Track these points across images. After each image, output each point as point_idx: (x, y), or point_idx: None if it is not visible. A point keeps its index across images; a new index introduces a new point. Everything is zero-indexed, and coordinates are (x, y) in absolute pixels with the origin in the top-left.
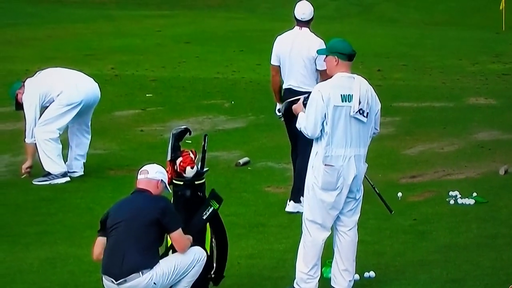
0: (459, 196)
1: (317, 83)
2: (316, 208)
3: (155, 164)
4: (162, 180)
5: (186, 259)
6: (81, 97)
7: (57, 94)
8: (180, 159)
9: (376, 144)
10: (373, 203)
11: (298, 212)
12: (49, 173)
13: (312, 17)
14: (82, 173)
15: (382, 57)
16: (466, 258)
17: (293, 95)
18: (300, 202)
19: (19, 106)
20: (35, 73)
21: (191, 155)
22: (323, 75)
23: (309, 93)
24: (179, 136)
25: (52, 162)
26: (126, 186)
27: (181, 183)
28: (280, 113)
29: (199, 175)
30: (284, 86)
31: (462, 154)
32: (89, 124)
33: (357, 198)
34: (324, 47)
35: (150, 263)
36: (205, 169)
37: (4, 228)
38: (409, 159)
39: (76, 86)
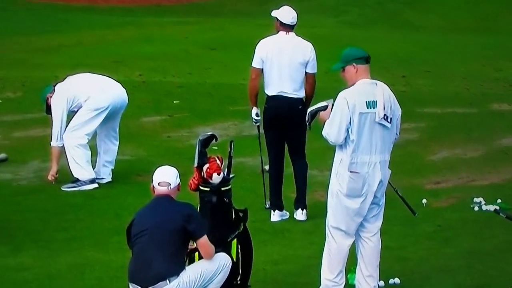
0: (483, 202)
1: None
2: (341, 215)
3: (167, 169)
4: (179, 183)
5: (212, 265)
6: (108, 101)
7: (85, 100)
8: (206, 165)
9: (400, 150)
10: (398, 209)
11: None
12: (77, 179)
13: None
14: (110, 180)
15: (406, 63)
16: (490, 264)
17: (285, 102)
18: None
19: (49, 109)
20: (65, 78)
21: (218, 161)
22: (309, 79)
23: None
24: (206, 142)
25: (81, 168)
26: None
27: (208, 189)
28: (308, 121)
29: (225, 181)
30: (271, 92)
31: (486, 160)
32: (117, 130)
33: (380, 204)
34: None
35: (177, 270)
36: (231, 175)
37: (33, 234)
38: (433, 165)
39: (103, 91)
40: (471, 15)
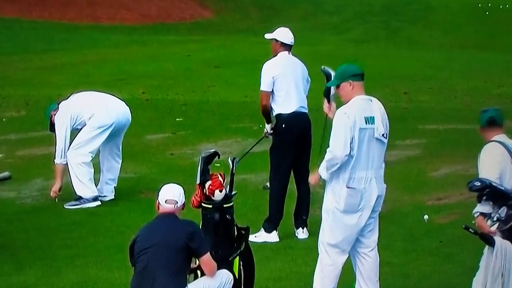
0: None
1: None
2: (339, 231)
3: (174, 187)
4: (184, 201)
5: (214, 282)
6: (112, 119)
7: (89, 117)
8: (209, 182)
9: (402, 166)
10: (399, 225)
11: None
12: (80, 197)
13: None
14: (113, 197)
15: (408, 79)
16: None
17: (306, 117)
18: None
19: (53, 127)
20: (69, 96)
21: (220, 178)
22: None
23: None
24: (208, 159)
25: (84, 186)
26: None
27: (210, 206)
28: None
29: (227, 198)
30: (291, 109)
31: None
32: (120, 147)
33: (375, 217)
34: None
35: (179, 287)
36: (233, 192)
37: (37, 252)
38: (435, 181)
39: (107, 109)
40: (474, 32)
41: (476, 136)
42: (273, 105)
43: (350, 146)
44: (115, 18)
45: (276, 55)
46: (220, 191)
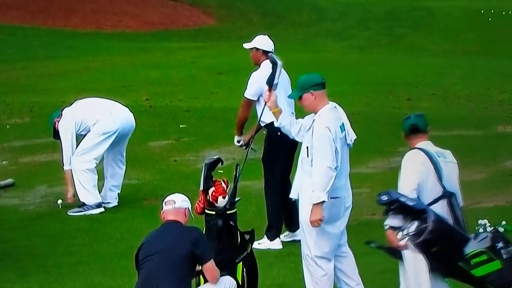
0: (488, 224)
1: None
2: (324, 242)
3: (178, 194)
4: (188, 208)
5: None
6: (116, 125)
7: (93, 123)
8: (212, 189)
9: None
10: None
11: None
12: (84, 204)
13: None
14: (116, 204)
15: (411, 86)
16: None
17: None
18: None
19: (56, 134)
20: (72, 103)
21: (223, 184)
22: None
23: None
24: (212, 166)
25: (87, 193)
26: (160, 216)
27: (213, 212)
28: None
29: (231, 204)
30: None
31: (490, 183)
32: (124, 154)
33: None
34: None
35: None
36: (236, 199)
37: (40, 259)
38: None
39: (111, 115)
40: (477, 38)
41: (479, 142)
42: (264, 114)
43: (336, 158)
44: (118, 25)
45: (259, 65)
46: (223, 197)
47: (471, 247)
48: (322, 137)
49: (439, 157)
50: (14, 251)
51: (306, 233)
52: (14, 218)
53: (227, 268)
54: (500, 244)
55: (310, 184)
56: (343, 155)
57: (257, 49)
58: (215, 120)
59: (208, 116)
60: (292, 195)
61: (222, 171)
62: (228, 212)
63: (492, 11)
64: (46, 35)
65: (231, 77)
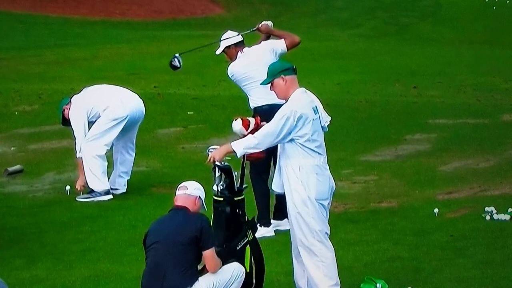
0: (494, 211)
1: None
2: (322, 217)
3: (193, 181)
4: (199, 197)
5: (225, 276)
6: (126, 112)
7: (103, 109)
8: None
9: (412, 160)
10: (410, 220)
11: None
12: (92, 190)
13: None
14: (125, 191)
15: (418, 75)
16: (503, 274)
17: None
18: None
19: (66, 121)
20: (81, 90)
21: (250, 121)
22: None
23: None
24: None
25: (96, 179)
26: (168, 203)
27: (222, 199)
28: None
29: (238, 191)
30: (266, 102)
31: (497, 170)
32: (134, 141)
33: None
34: None
35: (190, 282)
36: (244, 186)
37: (48, 246)
38: (445, 175)
39: (122, 101)
40: (483, 28)
41: (486, 130)
42: (250, 101)
43: (310, 138)
44: (127, 14)
45: (235, 58)
46: (236, 120)
47: None
48: (282, 113)
49: None
50: (22, 238)
51: (302, 214)
52: (23, 204)
53: (234, 255)
54: None
55: (295, 164)
56: (321, 134)
57: (229, 47)
58: (223, 108)
59: (216, 104)
60: (274, 187)
61: (229, 158)
62: (235, 199)
63: (497, 0)
64: (55, 23)
65: None
